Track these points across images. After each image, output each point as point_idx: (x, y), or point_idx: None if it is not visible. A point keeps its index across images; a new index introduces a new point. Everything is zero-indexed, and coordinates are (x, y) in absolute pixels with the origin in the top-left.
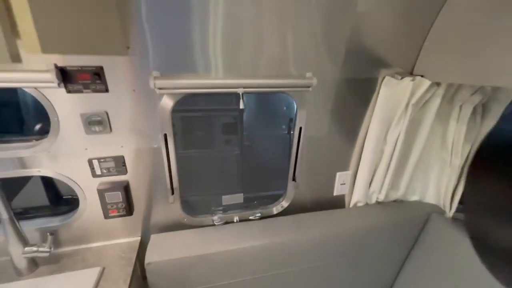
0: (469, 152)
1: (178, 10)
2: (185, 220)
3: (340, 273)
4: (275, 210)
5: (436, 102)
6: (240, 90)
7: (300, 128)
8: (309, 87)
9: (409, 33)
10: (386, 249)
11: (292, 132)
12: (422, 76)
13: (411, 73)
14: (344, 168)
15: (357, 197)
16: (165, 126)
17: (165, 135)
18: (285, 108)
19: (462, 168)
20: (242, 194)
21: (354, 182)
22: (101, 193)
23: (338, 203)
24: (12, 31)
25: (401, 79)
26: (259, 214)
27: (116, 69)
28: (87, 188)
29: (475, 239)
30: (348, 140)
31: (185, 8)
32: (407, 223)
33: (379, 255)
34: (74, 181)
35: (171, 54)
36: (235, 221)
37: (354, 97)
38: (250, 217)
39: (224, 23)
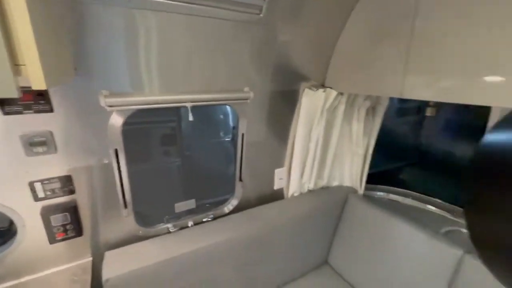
0: (368, 143)
1: (120, 36)
2: (140, 232)
3: (284, 253)
4: (227, 209)
5: (342, 107)
6: (188, 104)
7: (243, 135)
8: (247, 99)
9: (319, 55)
10: (318, 227)
11: (235, 139)
12: (331, 87)
13: (323, 85)
14: (280, 165)
15: (293, 188)
16: (115, 142)
17: (116, 150)
18: (221, 116)
19: (365, 156)
20: (194, 200)
21: (289, 176)
22: (45, 216)
23: (278, 195)
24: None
25: (316, 90)
26: (212, 216)
27: (62, 89)
28: (27, 213)
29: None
30: (281, 142)
31: (125, 35)
32: (332, 203)
33: (313, 232)
34: (11, 208)
35: (116, 74)
36: (189, 225)
37: (283, 106)
38: (204, 220)
39: (160, 48)
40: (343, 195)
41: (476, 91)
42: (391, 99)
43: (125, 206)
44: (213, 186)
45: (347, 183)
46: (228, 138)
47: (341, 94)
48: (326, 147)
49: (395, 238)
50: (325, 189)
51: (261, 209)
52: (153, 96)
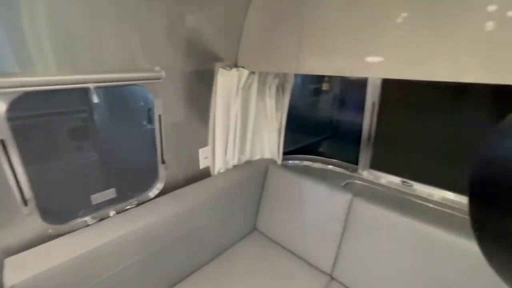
0: (281, 118)
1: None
2: (51, 231)
3: (214, 226)
4: (152, 194)
5: (255, 85)
6: (91, 85)
7: (160, 116)
8: (159, 79)
9: (229, 35)
10: (244, 198)
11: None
12: (243, 67)
13: (236, 65)
14: (204, 144)
15: (218, 166)
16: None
17: (2, 141)
18: (142, 103)
19: (279, 129)
20: (114, 189)
21: (214, 154)
22: None
23: (205, 174)
24: None
25: (230, 70)
26: (136, 202)
27: None
28: None
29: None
30: (202, 121)
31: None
32: (255, 175)
33: (240, 204)
34: None
35: None
36: (111, 215)
37: (200, 85)
38: (127, 207)
39: (51, 17)
40: (264, 166)
41: (357, 67)
42: (306, 79)
43: (25, 204)
44: (137, 173)
45: (267, 155)
46: (152, 126)
47: (253, 73)
48: (245, 124)
49: (305, 194)
50: (248, 163)
51: (187, 189)
52: (46, 77)
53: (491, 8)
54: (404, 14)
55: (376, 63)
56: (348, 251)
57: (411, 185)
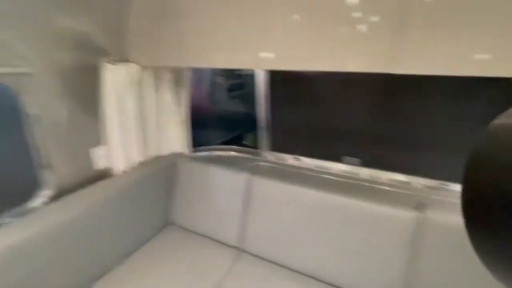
0: (183, 111)
1: None
2: None
3: (118, 228)
4: (36, 203)
5: (150, 81)
6: None
7: (36, 116)
8: (26, 74)
9: (113, 30)
10: (151, 193)
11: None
12: (133, 62)
13: (125, 60)
14: (98, 143)
15: (120, 165)
16: None
17: None
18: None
19: (183, 123)
20: None
21: (112, 153)
22: None
23: (105, 174)
24: None
25: (117, 65)
26: (16, 215)
27: None
28: None
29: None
30: (93, 119)
31: None
32: (164, 169)
33: (147, 200)
34: None
35: None
36: None
37: (85, 81)
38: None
39: None
40: (173, 160)
41: (247, 61)
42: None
43: None
44: (12, 183)
45: (176, 149)
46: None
47: (145, 67)
48: (145, 120)
49: (213, 180)
50: (159, 158)
51: (81, 192)
52: None
53: (356, 14)
54: (290, 16)
55: (266, 57)
56: (252, 224)
57: (302, 160)
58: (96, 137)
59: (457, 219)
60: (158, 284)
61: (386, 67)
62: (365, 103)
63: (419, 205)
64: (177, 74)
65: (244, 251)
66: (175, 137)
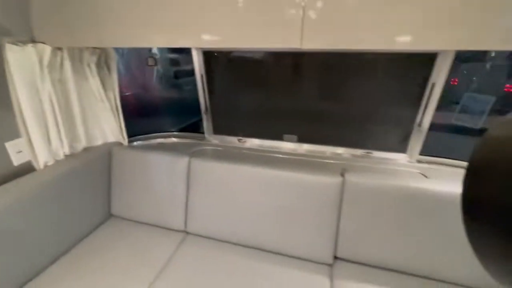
0: (113, 97)
1: None
2: None
3: (49, 224)
4: None
5: (68, 64)
6: None
7: None
8: None
9: (11, 5)
10: (84, 187)
11: None
12: (43, 42)
13: (33, 41)
14: (13, 137)
15: (43, 158)
16: None
17: None
18: None
19: (115, 109)
20: None
21: (32, 146)
22: None
23: (26, 170)
24: None
25: (23, 45)
26: None
27: None
28: None
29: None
30: (3, 109)
31: None
32: (96, 161)
33: (80, 194)
34: None
35: None
36: None
37: None
38: None
39: None
40: (107, 150)
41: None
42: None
43: None
44: None
45: (111, 139)
46: None
47: (59, 49)
48: (69, 107)
49: (153, 168)
50: (89, 149)
51: None
52: None
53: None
54: None
55: (203, 35)
56: (195, 206)
57: (245, 141)
58: (12, 129)
59: (370, 181)
60: (94, 278)
61: (298, 42)
62: (302, 82)
63: (344, 171)
64: (101, 56)
65: (189, 233)
66: (107, 126)
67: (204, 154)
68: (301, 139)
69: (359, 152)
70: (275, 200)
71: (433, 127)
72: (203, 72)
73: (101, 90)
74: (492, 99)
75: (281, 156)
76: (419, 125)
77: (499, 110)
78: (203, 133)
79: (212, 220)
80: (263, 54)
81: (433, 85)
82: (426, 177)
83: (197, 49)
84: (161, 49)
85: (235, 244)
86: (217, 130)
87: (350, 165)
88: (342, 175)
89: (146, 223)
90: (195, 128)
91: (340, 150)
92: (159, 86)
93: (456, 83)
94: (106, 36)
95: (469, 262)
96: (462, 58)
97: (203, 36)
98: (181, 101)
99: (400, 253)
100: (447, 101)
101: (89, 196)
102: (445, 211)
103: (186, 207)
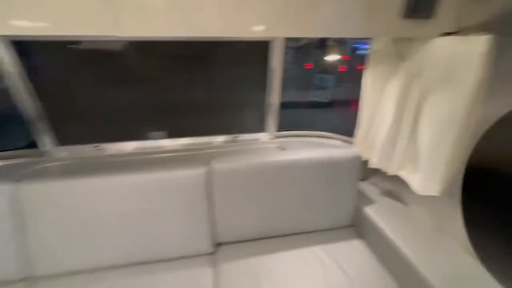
0: None
1: None
2: None
3: None
4: None
5: None
6: None
7: None
8: None
9: None
10: None
11: None
12: None
13: None
14: None
15: None
16: None
17: None
18: None
19: None
20: None
21: None
22: None
23: None
24: None
25: None
26: None
27: None
28: None
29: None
30: None
31: None
32: None
33: None
34: None
35: None
36: None
37: None
38: None
39: None
40: None
41: None
42: None
43: None
44: None
45: None
46: None
47: None
48: None
49: None
50: None
51: None
52: None
53: None
54: None
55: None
56: (37, 242)
57: (103, 148)
58: None
59: (235, 163)
60: None
61: (113, 29)
62: (162, 74)
63: (209, 160)
64: None
65: (36, 277)
66: None
67: (43, 174)
68: (171, 134)
69: (228, 138)
70: (138, 207)
71: (298, 104)
72: (19, 69)
73: None
74: (332, 77)
75: (149, 156)
76: (270, 106)
77: (339, 85)
78: (37, 147)
79: (66, 252)
80: (114, 44)
81: (272, 70)
82: (283, 149)
83: None
84: None
85: (106, 268)
86: (64, 141)
87: (221, 151)
88: (207, 164)
89: None
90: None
91: (210, 139)
92: None
93: (312, 67)
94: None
95: (324, 212)
96: (315, 45)
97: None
98: None
99: (274, 220)
100: (309, 82)
101: None
102: (300, 173)
103: (22, 248)
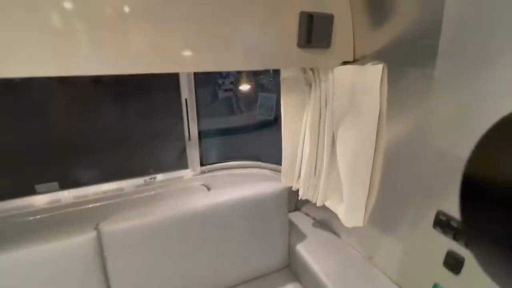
0: None
1: None
2: None
3: None
4: None
5: None
6: None
7: None
8: None
9: None
10: None
11: None
12: None
13: None
14: None
15: None
16: None
17: None
18: None
19: None
20: None
21: None
22: None
23: None
24: None
25: None
26: None
27: None
28: None
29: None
30: None
31: None
32: None
33: None
34: None
35: None
36: None
37: None
38: None
39: None
40: None
41: None
42: None
43: None
44: None
45: None
46: None
47: None
48: None
49: None
50: None
51: None
52: None
53: None
54: None
55: None
56: None
57: None
58: None
59: (130, 222)
60: None
61: None
62: (54, 113)
63: (98, 222)
64: None
65: None
66: None
67: None
68: (65, 185)
69: (141, 180)
70: None
71: (243, 129)
72: None
73: None
74: (274, 95)
75: (31, 218)
76: (189, 138)
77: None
78: None
79: None
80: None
81: (186, 100)
82: (208, 188)
83: None
84: None
85: None
86: None
87: (131, 199)
88: (97, 226)
89: None
90: None
91: (118, 184)
92: None
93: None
94: None
95: (256, 256)
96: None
97: None
98: None
99: (196, 279)
100: (253, 103)
101: None
102: (224, 217)
103: None
